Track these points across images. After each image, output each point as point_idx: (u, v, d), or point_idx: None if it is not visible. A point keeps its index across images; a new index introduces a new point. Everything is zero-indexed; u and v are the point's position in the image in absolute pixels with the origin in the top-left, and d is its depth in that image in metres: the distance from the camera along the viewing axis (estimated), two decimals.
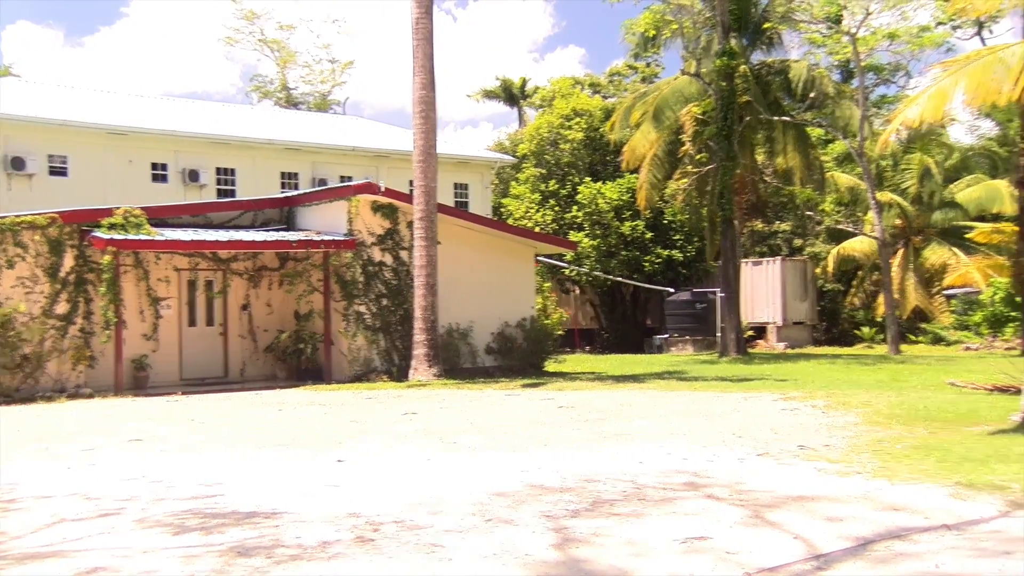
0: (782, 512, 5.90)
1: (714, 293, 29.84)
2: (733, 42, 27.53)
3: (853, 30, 28.24)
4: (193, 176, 26.85)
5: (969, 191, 33.86)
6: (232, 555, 4.91)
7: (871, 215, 29.60)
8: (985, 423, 10.17)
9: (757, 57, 29.12)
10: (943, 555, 4.68)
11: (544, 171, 36.57)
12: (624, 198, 33.55)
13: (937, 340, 31.69)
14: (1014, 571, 4.32)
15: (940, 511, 5.83)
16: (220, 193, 27.24)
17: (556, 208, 35.33)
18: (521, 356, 21.95)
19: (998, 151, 37.32)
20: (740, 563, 4.58)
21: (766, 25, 28.27)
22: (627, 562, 4.68)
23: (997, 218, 32.12)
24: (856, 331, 33.85)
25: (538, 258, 25.44)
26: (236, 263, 20.74)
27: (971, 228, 32.01)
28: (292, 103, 52.43)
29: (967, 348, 29.15)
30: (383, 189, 20.78)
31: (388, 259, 20.89)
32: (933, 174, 33.93)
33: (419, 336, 19.44)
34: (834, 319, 35.69)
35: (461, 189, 32.24)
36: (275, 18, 67.88)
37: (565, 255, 31.34)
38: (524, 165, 37.72)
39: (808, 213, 36.46)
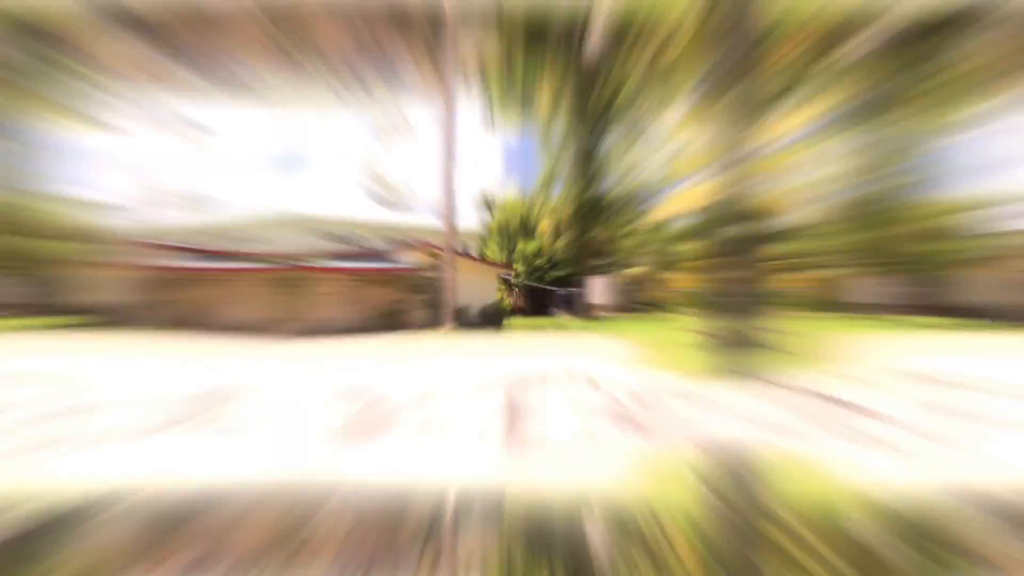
0: (606, 383, 11.01)
1: (578, 289, 51.02)
2: None
3: None
4: None
5: None
6: None
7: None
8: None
9: None
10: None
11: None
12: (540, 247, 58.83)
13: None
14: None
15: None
16: None
17: (508, 252, 59.37)
18: (492, 317, 29.43)
19: None
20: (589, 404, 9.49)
21: None
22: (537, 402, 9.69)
23: None
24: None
25: (499, 275, 35.09)
26: None
27: None
28: None
29: None
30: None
31: None
32: None
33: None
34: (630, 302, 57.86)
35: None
36: None
37: (511, 274, 49.37)
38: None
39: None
